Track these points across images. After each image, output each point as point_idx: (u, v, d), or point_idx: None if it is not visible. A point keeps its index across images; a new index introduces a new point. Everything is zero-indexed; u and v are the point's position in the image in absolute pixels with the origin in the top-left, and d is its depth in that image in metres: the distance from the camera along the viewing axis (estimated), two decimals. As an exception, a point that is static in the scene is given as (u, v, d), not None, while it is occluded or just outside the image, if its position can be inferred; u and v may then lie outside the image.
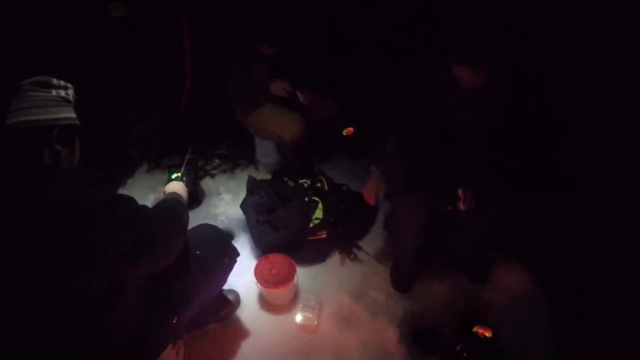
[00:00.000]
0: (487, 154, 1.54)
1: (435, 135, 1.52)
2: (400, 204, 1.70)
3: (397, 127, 1.66)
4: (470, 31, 1.43)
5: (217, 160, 2.54)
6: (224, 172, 2.50)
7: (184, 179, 1.38)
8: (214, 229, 1.44)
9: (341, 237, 1.96)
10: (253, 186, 2.05)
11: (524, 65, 1.71)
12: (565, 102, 1.68)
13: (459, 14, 2.02)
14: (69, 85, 1.01)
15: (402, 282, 1.82)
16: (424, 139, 1.56)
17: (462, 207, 1.50)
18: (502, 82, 1.43)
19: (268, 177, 2.30)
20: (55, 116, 0.94)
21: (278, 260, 1.72)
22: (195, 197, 2.25)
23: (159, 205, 1.12)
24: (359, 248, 1.98)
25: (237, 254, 1.44)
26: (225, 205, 2.27)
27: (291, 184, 2.11)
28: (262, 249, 1.89)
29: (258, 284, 1.64)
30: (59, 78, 0.99)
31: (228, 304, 1.65)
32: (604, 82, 1.51)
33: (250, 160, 2.56)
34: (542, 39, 1.69)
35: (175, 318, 1.19)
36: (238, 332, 1.63)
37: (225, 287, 1.55)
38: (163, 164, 2.48)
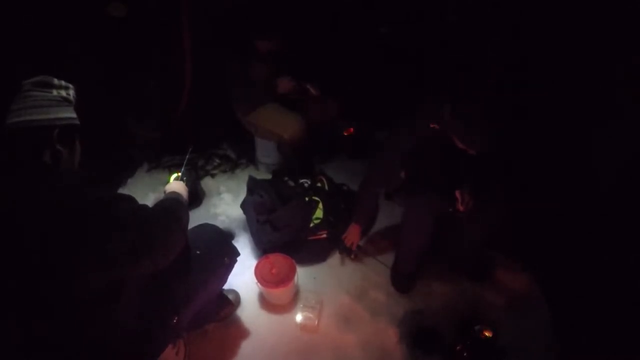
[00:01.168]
0: (488, 154, 1.53)
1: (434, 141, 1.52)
2: (407, 207, 1.70)
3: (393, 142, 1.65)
4: (470, 31, 1.42)
5: (217, 160, 2.54)
6: (224, 172, 2.50)
7: (184, 178, 1.38)
8: (214, 229, 1.44)
9: (341, 237, 1.95)
10: (253, 186, 2.04)
11: (524, 65, 1.72)
12: (565, 102, 1.68)
13: (459, 14, 2.02)
14: (70, 85, 1.02)
15: (402, 282, 1.82)
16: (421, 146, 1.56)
17: (461, 208, 1.50)
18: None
19: (268, 176, 2.29)
20: (56, 116, 0.94)
21: (278, 259, 1.72)
22: (196, 197, 2.25)
23: (159, 205, 1.12)
24: (359, 248, 1.98)
25: (238, 254, 1.44)
26: (225, 205, 2.27)
27: (291, 183, 2.11)
28: (263, 248, 1.89)
29: (258, 283, 1.64)
30: (59, 78, 0.99)
31: (228, 303, 1.65)
32: (605, 82, 1.51)
33: (251, 160, 2.56)
34: (542, 39, 1.69)
35: (175, 318, 1.19)
36: (238, 332, 1.63)
37: (226, 286, 1.55)
38: (163, 164, 2.48)
